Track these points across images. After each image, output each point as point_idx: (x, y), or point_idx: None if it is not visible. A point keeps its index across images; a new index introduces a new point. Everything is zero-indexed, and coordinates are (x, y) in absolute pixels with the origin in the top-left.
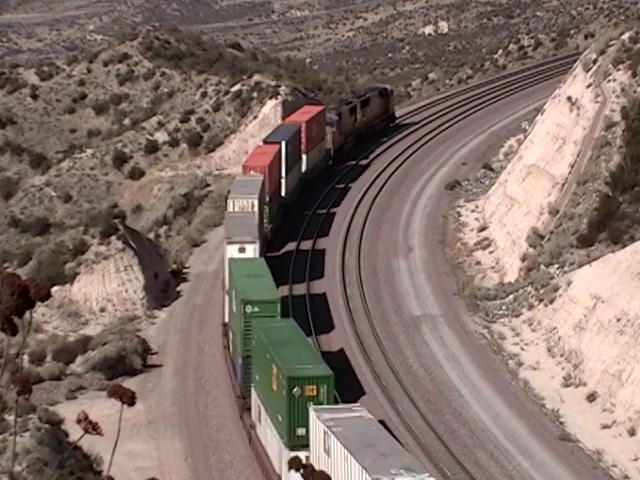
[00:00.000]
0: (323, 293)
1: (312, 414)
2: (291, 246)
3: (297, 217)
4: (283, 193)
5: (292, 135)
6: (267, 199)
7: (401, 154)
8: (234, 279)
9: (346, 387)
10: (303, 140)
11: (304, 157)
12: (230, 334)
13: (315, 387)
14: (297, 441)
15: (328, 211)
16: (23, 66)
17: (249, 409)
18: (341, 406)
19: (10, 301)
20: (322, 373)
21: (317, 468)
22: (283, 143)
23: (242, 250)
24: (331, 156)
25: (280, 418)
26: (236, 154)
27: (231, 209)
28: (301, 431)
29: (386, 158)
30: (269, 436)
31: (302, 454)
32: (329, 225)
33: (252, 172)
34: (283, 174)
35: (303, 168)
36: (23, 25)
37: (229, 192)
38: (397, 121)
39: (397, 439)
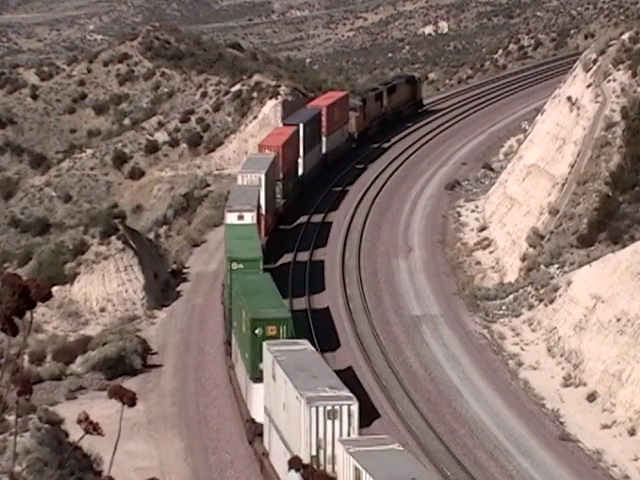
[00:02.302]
0: (323, 292)
1: (264, 347)
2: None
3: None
4: (300, 172)
5: (311, 118)
6: (280, 176)
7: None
8: (227, 241)
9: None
10: (324, 123)
11: (324, 139)
12: (225, 291)
13: (275, 327)
14: (258, 374)
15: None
16: (23, 66)
17: (231, 353)
18: (289, 340)
19: (11, 301)
20: (281, 315)
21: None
22: (301, 125)
23: (241, 217)
24: (355, 139)
25: (246, 355)
26: (236, 154)
27: (240, 183)
28: (262, 366)
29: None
30: (240, 372)
31: (260, 385)
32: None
33: (267, 151)
34: (301, 154)
35: (323, 150)
36: (23, 25)
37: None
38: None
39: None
